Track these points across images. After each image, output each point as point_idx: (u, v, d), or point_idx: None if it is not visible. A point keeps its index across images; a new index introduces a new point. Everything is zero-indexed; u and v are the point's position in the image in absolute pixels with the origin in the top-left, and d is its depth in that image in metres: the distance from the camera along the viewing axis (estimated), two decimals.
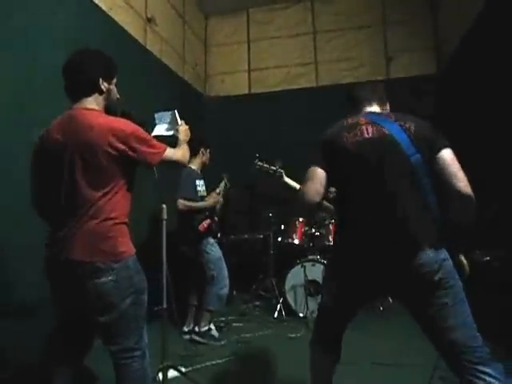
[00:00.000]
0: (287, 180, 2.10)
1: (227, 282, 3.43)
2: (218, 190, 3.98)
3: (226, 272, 3.44)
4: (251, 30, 6.28)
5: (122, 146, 1.61)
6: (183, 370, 2.59)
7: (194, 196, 3.42)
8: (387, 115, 1.71)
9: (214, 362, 2.88)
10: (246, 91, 6.23)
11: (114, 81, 1.79)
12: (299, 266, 4.03)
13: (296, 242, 4.38)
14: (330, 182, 1.69)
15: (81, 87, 1.70)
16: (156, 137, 2.19)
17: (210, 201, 3.52)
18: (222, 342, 3.33)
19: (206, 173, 3.84)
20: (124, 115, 2.00)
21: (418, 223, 1.53)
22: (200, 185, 3.57)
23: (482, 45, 3.79)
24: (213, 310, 3.36)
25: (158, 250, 2.47)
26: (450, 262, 1.52)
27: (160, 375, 2.35)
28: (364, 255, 1.57)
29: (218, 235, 3.62)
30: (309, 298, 3.91)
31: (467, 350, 1.47)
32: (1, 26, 2.53)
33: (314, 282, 3.94)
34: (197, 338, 3.32)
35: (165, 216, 2.49)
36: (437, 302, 1.49)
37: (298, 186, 1.99)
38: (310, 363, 1.82)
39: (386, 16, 5.70)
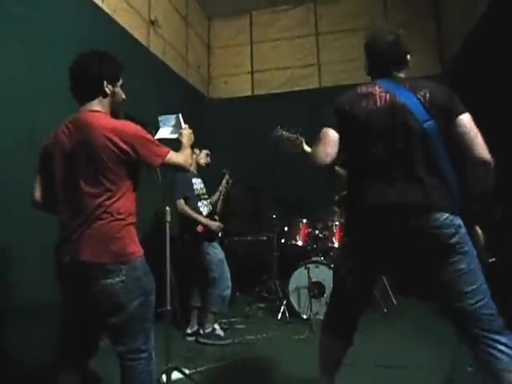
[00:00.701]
0: (307, 149, 2.04)
1: (229, 283, 3.43)
2: (220, 188, 3.98)
3: (228, 273, 3.44)
4: (254, 32, 6.29)
5: (124, 147, 1.62)
6: (187, 371, 2.59)
7: (191, 194, 3.45)
8: (402, 82, 1.68)
9: (217, 364, 2.87)
10: (249, 93, 6.24)
11: (120, 83, 1.80)
12: (303, 267, 4.02)
13: (299, 243, 4.37)
14: (341, 148, 1.69)
15: (85, 90, 1.72)
16: (159, 140, 2.20)
17: (212, 223, 3.47)
18: (229, 341, 3.33)
19: (208, 174, 3.84)
20: (127, 118, 2.01)
21: (433, 188, 1.52)
22: (197, 183, 3.57)
23: (485, 45, 3.78)
24: (216, 311, 3.37)
25: (162, 252, 2.47)
26: (464, 230, 1.52)
27: (164, 377, 2.35)
28: (378, 220, 1.57)
29: (219, 235, 3.59)
30: (312, 299, 3.90)
31: (482, 317, 1.46)
32: (4, 27, 2.54)
33: (317, 283, 3.94)
34: (203, 339, 3.32)
35: (168, 218, 2.49)
36: (451, 268, 1.49)
37: None
38: (320, 347, 1.81)
39: (388, 17, 5.69)
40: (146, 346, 1.68)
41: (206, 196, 3.66)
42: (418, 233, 1.51)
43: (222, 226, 3.55)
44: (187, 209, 3.39)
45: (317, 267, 3.99)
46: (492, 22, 3.63)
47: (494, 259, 1.61)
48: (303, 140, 2.07)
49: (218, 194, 4.01)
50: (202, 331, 3.35)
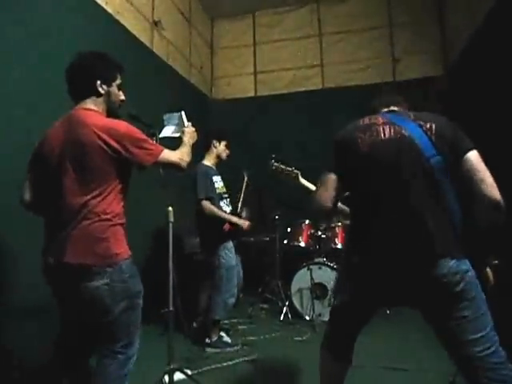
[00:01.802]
0: (303, 181, 2.04)
1: (236, 291, 3.33)
2: (242, 194, 3.79)
3: (235, 281, 3.32)
4: (257, 33, 6.29)
5: (115, 145, 1.60)
6: (189, 372, 2.59)
7: (214, 194, 3.31)
8: (406, 114, 1.61)
9: (219, 365, 2.87)
10: (252, 94, 6.24)
11: (116, 83, 1.79)
12: (305, 268, 4.01)
13: (302, 244, 4.37)
14: (343, 184, 1.63)
15: (78, 89, 1.72)
16: (164, 138, 2.20)
17: (242, 222, 3.38)
18: (237, 347, 3.23)
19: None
20: (131, 117, 2.01)
21: (438, 230, 1.44)
22: (218, 181, 3.43)
23: (489, 46, 3.77)
24: (219, 319, 3.25)
25: (166, 253, 2.47)
26: (472, 274, 1.44)
27: (166, 378, 2.35)
28: (381, 263, 1.50)
29: (239, 237, 3.48)
30: (315, 300, 3.90)
31: (488, 366, 1.39)
32: (7, 28, 2.55)
33: (320, 284, 3.93)
34: (211, 349, 3.19)
35: (171, 218, 2.49)
36: (457, 315, 1.41)
37: (314, 188, 1.93)
38: (320, 369, 1.76)
39: (392, 18, 5.68)
40: (125, 349, 1.63)
41: (226, 195, 3.51)
42: (422, 281, 1.44)
43: (251, 224, 3.44)
44: (215, 209, 3.23)
45: (319, 268, 3.99)
46: (496, 23, 3.61)
47: (496, 262, 1.58)
48: (299, 173, 2.07)
49: (238, 196, 3.81)
50: (208, 340, 3.23)
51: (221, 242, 3.25)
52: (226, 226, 3.28)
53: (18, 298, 2.47)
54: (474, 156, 1.47)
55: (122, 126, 1.66)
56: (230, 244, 3.33)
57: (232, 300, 3.28)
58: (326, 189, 1.63)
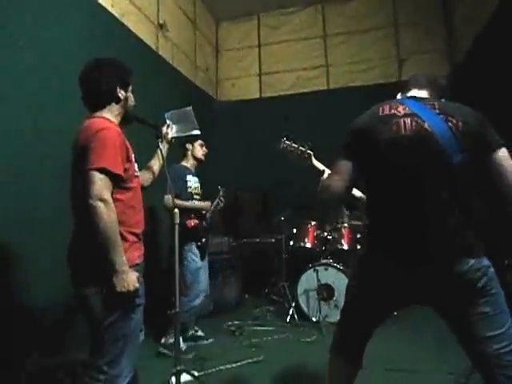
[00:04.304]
0: (316, 163, 1.84)
1: (200, 293, 3.20)
2: (214, 203, 3.55)
3: (203, 284, 3.23)
4: (262, 35, 6.31)
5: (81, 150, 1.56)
6: (196, 374, 2.59)
7: (183, 192, 3.24)
8: (431, 104, 1.49)
9: (226, 367, 2.87)
10: (257, 95, 6.26)
11: (130, 87, 1.80)
12: (312, 269, 4.00)
13: (308, 245, 4.35)
14: (359, 176, 1.56)
15: (98, 98, 1.70)
16: (174, 138, 2.19)
17: (202, 204, 3.34)
18: (190, 356, 3.06)
19: (212, 173, 3.71)
20: (137, 120, 2.01)
21: (460, 231, 1.41)
22: (192, 181, 3.37)
23: (495, 45, 3.74)
24: (181, 322, 2.99)
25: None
26: (492, 270, 1.42)
27: (173, 379, 2.35)
28: (400, 263, 1.46)
29: (203, 240, 3.30)
30: (321, 302, 3.88)
31: (506, 364, 1.37)
32: (16, 30, 2.57)
33: (326, 286, 3.91)
34: (164, 350, 3.07)
35: (177, 220, 2.49)
36: (477, 311, 1.38)
37: (327, 171, 1.76)
38: (329, 374, 1.72)
39: (397, 18, 5.67)
40: (108, 368, 1.52)
41: (198, 197, 3.43)
42: (442, 279, 1.40)
43: (210, 204, 3.37)
44: (178, 201, 2.97)
45: (326, 269, 3.97)
46: (502, 22, 3.59)
47: (508, 261, 1.56)
48: (312, 154, 1.87)
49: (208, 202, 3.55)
50: (163, 340, 3.13)
51: (183, 244, 3.14)
52: (189, 223, 3.21)
53: (15, 298, 2.48)
54: (502, 154, 1.41)
55: (99, 139, 1.54)
56: (194, 246, 3.25)
57: (194, 303, 3.17)
58: (340, 176, 1.54)
